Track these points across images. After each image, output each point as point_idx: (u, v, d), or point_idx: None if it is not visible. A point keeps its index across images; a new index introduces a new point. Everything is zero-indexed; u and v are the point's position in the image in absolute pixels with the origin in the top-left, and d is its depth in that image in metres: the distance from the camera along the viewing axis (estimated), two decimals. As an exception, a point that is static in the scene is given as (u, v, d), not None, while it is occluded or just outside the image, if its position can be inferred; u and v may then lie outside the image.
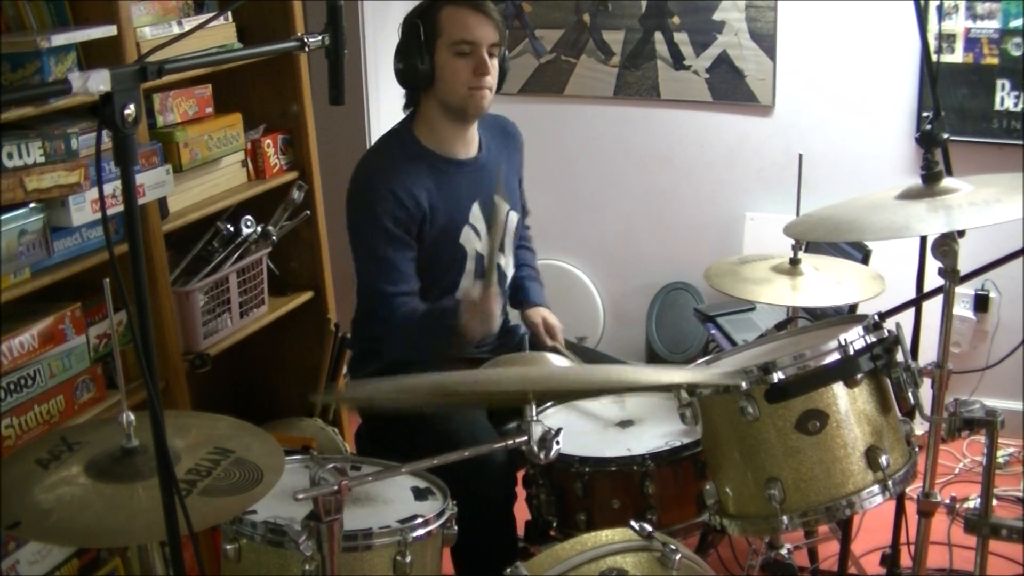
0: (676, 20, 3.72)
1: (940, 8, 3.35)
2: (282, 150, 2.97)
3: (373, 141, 3.45)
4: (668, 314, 3.96)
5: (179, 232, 2.63)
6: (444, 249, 2.50)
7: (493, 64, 2.43)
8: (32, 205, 2.13)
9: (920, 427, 2.09)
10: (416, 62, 2.39)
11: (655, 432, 2.32)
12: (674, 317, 3.94)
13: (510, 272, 2.68)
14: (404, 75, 2.45)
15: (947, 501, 2.07)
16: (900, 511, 2.51)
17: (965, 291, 3.53)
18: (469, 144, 2.55)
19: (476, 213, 2.53)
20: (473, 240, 2.53)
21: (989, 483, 1.93)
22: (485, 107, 2.46)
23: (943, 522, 2.33)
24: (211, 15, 2.62)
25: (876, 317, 1.98)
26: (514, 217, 2.63)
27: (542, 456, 1.69)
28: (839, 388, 1.89)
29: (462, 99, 2.42)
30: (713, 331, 3.33)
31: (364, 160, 2.51)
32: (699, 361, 2.26)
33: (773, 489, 1.89)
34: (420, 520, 1.88)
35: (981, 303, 3.56)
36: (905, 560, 2.54)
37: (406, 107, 2.54)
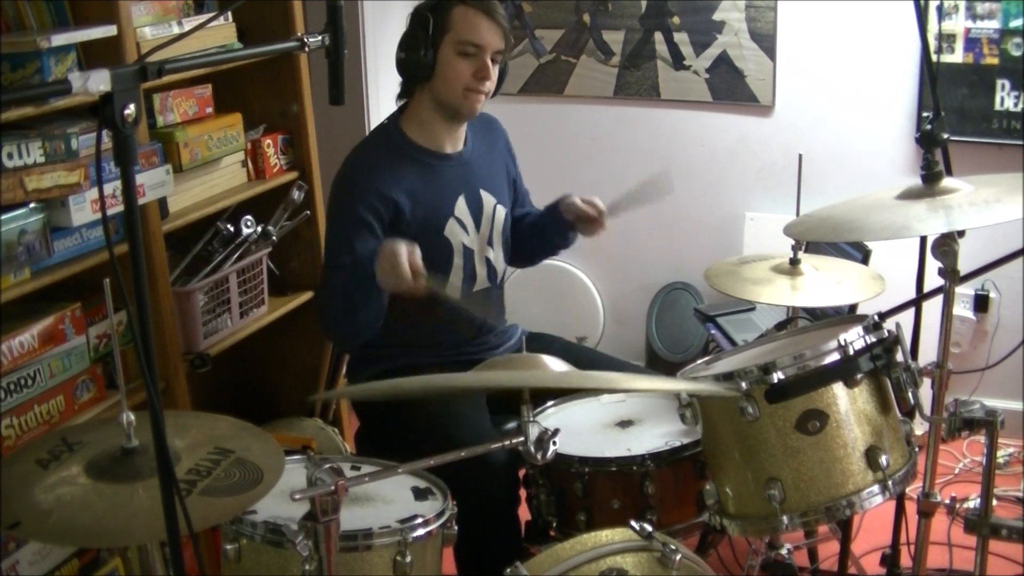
0: (676, 20, 3.72)
1: (940, 8, 3.35)
2: (282, 150, 2.97)
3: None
4: (668, 314, 3.96)
5: (179, 232, 2.63)
6: (428, 242, 2.48)
7: (494, 70, 2.44)
8: (32, 205, 2.13)
9: (920, 427, 2.09)
10: (419, 53, 2.40)
11: (655, 432, 2.32)
12: (674, 317, 3.94)
13: (501, 267, 2.66)
14: (404, 65, 2.45)
15: (947, 501, 2.07)
16: (900, 511, 2.51)
17: (965, 291, 3.53)
18: (456, 139, 2.56)
19: (462, 207, 2.53)
20: (459, 234, 2.53)
21: (989, 483, 1.93)
22: (477, 111, 2.48)
23: (943, 522, 2.33)
24: (211, 15, 2.62)
25: (876, 317, 1.98)
26: (502, 211, 2.62)
27: (539, 457, 1.69)
28: (839, 388, 1.89)
29: (457, 99, 2.43)
30: (713, 331, 3.33)
31: (348, 156, 2.51)
32: (699, 361, 2.26)
33: (773, 489, 1.89)
34: (420, 520, 1.88)
35: (981, 303, 3.56)
36: (905, 560, 2.54)
37: (399, 97, 2.55)
